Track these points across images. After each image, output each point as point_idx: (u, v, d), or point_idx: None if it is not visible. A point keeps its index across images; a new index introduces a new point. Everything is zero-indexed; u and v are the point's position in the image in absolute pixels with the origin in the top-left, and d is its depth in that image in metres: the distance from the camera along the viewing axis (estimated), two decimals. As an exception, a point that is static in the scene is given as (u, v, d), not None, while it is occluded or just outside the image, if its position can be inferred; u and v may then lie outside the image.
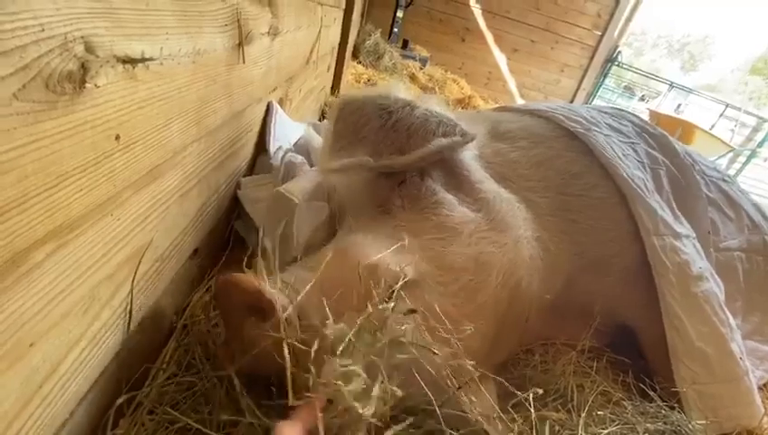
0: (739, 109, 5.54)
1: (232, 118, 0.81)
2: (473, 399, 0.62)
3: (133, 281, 0.55)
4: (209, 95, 0.66)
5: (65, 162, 0.37)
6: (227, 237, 0.97)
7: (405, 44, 4.41)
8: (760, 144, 4.68)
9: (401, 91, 0.87)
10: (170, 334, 0.74)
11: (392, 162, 0.76)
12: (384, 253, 0.66)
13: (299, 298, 0.54)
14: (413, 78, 3.82)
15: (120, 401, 0.55)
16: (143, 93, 0.46)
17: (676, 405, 0.83)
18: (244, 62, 0.79)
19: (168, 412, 0.61)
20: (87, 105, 0.38)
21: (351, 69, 3.39)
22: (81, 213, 0.41)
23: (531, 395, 0.67)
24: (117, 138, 0.43)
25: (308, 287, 0.55)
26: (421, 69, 4.04)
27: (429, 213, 0.77)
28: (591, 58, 4.81)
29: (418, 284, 0.67)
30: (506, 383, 0.66)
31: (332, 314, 0.55)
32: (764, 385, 1.15)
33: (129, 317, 0.56)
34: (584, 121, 1.15)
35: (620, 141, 1.17)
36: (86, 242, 0.43)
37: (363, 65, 3.65)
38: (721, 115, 5.60)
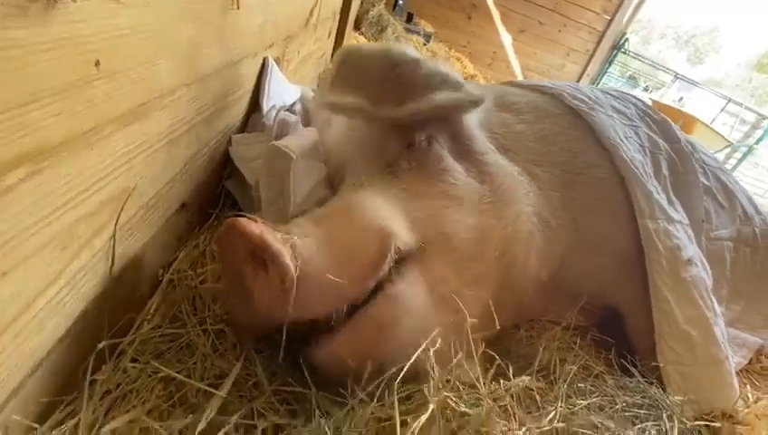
0: (741, 104, 5.52)
1: (225, 68, 0.78)
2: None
3: (116, 224, 0.53)
4: (200, 37, 0.62)
5: (40, 79, 0.34)
6: (218, 195, 0.95)
7: (409, 18, 4.28)
8: (757, 141, 4.70)
9: (408, 48, 0.84)
10: (155, 288, 0.73)
11: (390, 112, 0.74)
12: (394, 217, 0.65)
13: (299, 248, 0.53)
14: (416, 54, 3.72)
15: (101, 345, 0.54)
16: (126, 19, 0.43)
17: (655, 381, 0.84)
18: (238, 8, 0.75)
19: (152, 362, 0.61)
20: (63, 20, 0.35)
21: (353, 40, 3.29)
22: (58, 141, 0.38)
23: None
24: (97, 63, 0.40)
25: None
26: (425, 45, 3.93)
27: (436, 179, 0.77)
28: (598, 43, 4.73)
29: (424, 250, 0.67)
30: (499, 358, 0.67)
31: (337, 272, 0.55)
32: (741, 370, 1.18)
33: (112, 262, 0.55)
34: (589, 101, 1.14)
35: (623, 123, 1.16)
36: (64, 173, 0.41)
37: (365, 37, 3.54)
38: (722, 110, 5.58)
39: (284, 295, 0.51)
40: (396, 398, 0.54)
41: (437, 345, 0.57)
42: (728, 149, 4.66)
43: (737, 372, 1.13)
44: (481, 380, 0.64)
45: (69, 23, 0.36)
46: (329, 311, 0.56)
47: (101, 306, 0.56)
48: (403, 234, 0.62)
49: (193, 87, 0.66)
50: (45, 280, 0.43)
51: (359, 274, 0.56)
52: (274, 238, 0.51)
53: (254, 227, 0.52)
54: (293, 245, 0.54)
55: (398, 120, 0.75)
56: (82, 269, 0.49)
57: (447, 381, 0.62)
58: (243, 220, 0.52)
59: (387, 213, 0.64)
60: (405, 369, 0.54)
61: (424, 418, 0.49)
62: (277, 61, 1.14)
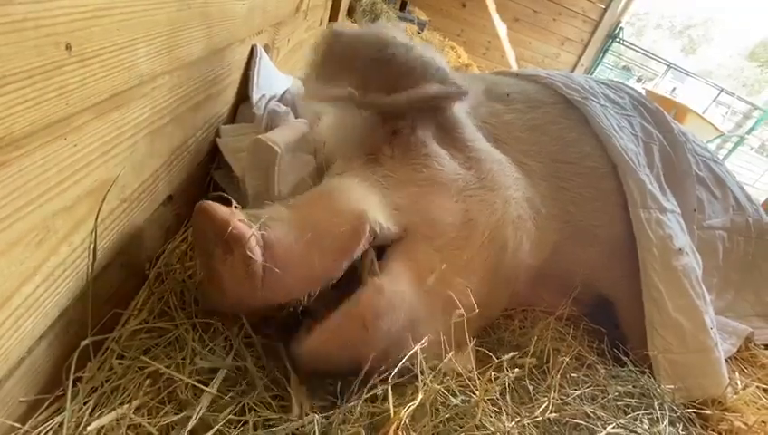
0: (733, 94, 5.54)
1: (210, 54, 0.75)
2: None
3: (96, 218, 0.51)
4: (182, 20, 0.60)
5: (3, 63, 0.32)
6: (206, 187, 0.93)
7: (403, 6, 4.21)
8: (749, 131, 4.73)
9: (401, 32, 0.81)
10: (142, 282, 0.71)
11: (380, 100, 0.72)
12: (371, 200, 0.64)
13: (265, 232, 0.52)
14: (410, 42, 3.67)
15: (84, 342, 0.52)
16: (99, 0, 0.41)
17: (646, 370, 0.85)
18: (223, -9, 0.72)
19: (139, 357, 0.59)
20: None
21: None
22: (28, 130, 0.36)
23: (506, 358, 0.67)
24: (68, 47, 0.38)
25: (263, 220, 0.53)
26: (419, 33, 3.88)
27: (419, 165, 0.75)
28: (593, 32, 4.70)
29: (405, 238, 0.66)
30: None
31: (307, 255, 0.54)
32: (730, 358, 1.19)
33: (93, 257, 0.53)
34: (582, 90, 1.13)
35: (616, 113, 1.16)
36: (36, 165, 0.39)
37: (358, 25, 3.48)
38: (714, 100, 5.61)
39: (250, 279, 0.50)
40: (389, 389, 0.53)
41: (426, 342, 0.56)
42: (719, 140, 4.69)
43: (727, 360, 1.14)
44: (474, 372, 0.64)
45: (34, 2, 0.33)
46: (300, 294, 0.54)
47: (85, 303, 0.54)
48: (380, 217, 0.60)
49: (176, 74, 0.63)
50: (20, 277, 0.41)
51: (329, 256, 0.54)
52: (239, 222, 0.50)
53: (221, 210, 0.50)
54: (263, 227, 0.52)
55: (387, 108, 0.73)
56: (61, 265, 0.47)
57: (439, 372, 0.61)
58: (210, 203, 0.51)
59: (363, 197, 0.62)
60: (398, 368, 0.53)
61: (411, 407, 0.49)
62: (266, 48, 1.11)
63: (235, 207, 0.54)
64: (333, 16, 2.41)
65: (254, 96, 0.99)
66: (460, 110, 0.88)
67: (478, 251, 0.73)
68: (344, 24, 0.79)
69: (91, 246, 0.52)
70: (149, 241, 0.72)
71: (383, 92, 0.71)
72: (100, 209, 0.51)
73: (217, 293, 0.55)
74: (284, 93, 1.16)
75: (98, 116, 0.46)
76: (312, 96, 0.72)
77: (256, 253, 0.49)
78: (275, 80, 1.13)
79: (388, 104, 0.72)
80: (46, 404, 0.50)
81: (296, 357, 0.58)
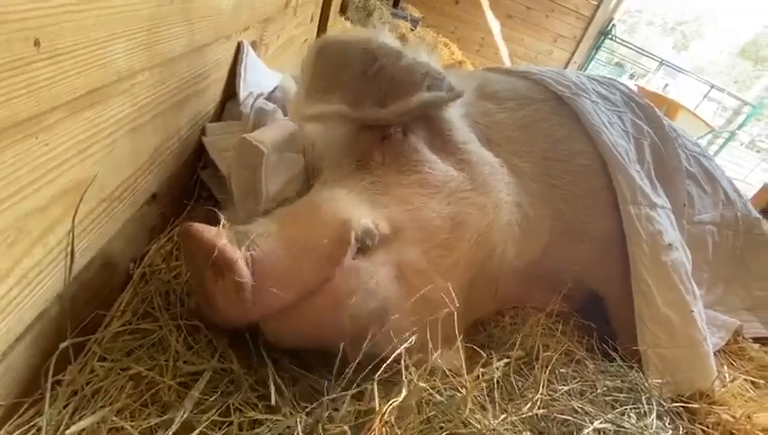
0: (723, 90, 5.59)
1: (194, 51, 0.74)
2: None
3: (74, 219, 0.50)
4: (163, 15, 0.58)
5: (-37, 59, 0.31)
6: (192, 186, 0.91)
7: (396, 2, 4.20)
8: (739, 127, 4.78)
9: (388, 37, 0.81)
10: (126, 282, 0.70)
11: (371, 115, 0.72)
12: (358, 207, 0.64)
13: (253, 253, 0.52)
14: (402, 39, 3.66)
15: (64, 344, 0.51)
16: (71, -6, 0.40)
17: (635, 365, 0.85)
18: (205, -14, 0.71)
19: (122, 359, 0.58)
20: (-10, -7, 0.32)
21: (339, 25, 3.21)
22: (-6, 128, 0.35)
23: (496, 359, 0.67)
24: (36, 43, 0.37)
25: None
26: (412, 30, 3.86)
27: (410, 171, 0.75)
28: (586, 29, 4.72)
29: (392, 238, 0.66)
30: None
31: (295, 268, 0.54)
32: (719, 351, 1.21)
33: (71, 258, 0.52)
34: (573, 86, 1.13)
35: (607, 109, 1.16)
36: (6, 164, 0.38)
37: (351, 22, 3.46)
38: (705, 96, 5.66)
39: (242, 302, 0.51)
40: (375, 387, 0.53)
41: (410, 337, 0.56)
42: (710, 135, 4.74)
43: (715, 353, 1.15)
44: (464, 368, 0.64)
45: (-3, -4, 0.32)
46: (289, 305, 0.55)
47: (63, 305, 0.53)
48: (366, 221, 0.61)
49: (156, 71, 0.62)
50: (-9, 279, 0.40)
51: (317, 265, 0.55)
52: (225, 245, 0.51)
53: (207, 232, 0.51)
54: (251, 245, 0.53)
55: (382, 121, 0.73)
56: (36, 266, 0.46)
57: (425, 370, 0.61)
58: (197, 226, 0.52)
59: (349, 205, 0.63)
60: (384, 366, 0.53)
61: (394, 403, 0.48)
62: (254, 45, 1.10)
63: (223, 225, 0.54)
64: (325, 13, 2.38)
65: (242, 93, 0.98)
66: (453, 111, 0.87)
67: (465, 254, 0.73)
68: (331, 35, 0.79)
69: (69, 247, 0.51)
70: (133, 241, 0.71)
71: (376, 105, 0.71)
72: (77, 209, 0.50)
73: (212, 311, 0.56)
74: (274, 91, 1.15)
75: (71, 114, 0.45)
76: (302, 116, 0.72)
77: (245, 276, 0.50)
78: (263, 77, 1.11)
79: (379, 118, 0.72)
80: (24, 407, 0.49)
81: (266, 331, 0.58)
